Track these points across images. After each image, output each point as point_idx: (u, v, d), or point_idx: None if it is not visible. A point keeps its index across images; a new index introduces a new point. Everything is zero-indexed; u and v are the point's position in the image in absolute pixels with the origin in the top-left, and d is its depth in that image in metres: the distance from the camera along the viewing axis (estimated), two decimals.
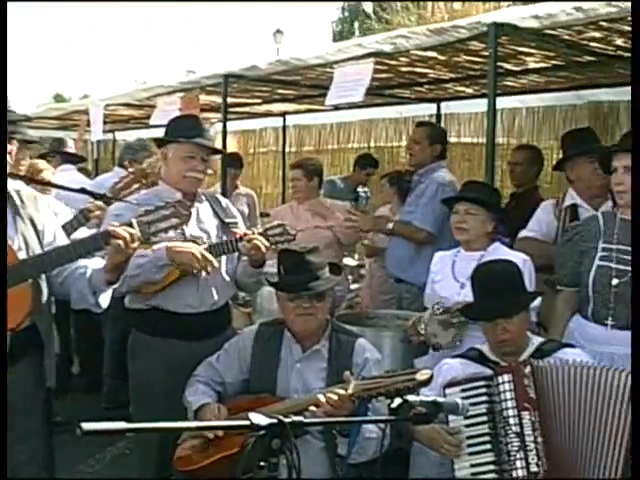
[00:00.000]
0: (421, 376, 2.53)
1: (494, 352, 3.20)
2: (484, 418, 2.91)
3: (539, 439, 2.82)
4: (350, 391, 2.76)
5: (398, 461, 3.91)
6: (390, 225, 5.09)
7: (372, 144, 8.81)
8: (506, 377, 2.89)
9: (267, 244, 3.51)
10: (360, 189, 7.85)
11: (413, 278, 5.03)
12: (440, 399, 2.30)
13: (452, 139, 7.68)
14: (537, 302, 3.54)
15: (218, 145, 5.93)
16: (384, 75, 5.95)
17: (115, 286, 3.05)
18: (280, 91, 7.36)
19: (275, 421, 1.94)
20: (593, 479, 2.77)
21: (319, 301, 3.25)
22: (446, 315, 3.67)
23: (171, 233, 3.12)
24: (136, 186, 4.43)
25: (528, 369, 2.90)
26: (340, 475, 3.01)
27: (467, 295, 3.62)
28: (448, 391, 2.98)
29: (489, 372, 2.99)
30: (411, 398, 2.22)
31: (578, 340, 3.51)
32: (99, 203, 4.26)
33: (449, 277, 3.88)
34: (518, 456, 2.81)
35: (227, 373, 3.39)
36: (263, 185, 10.22)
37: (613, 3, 3.72)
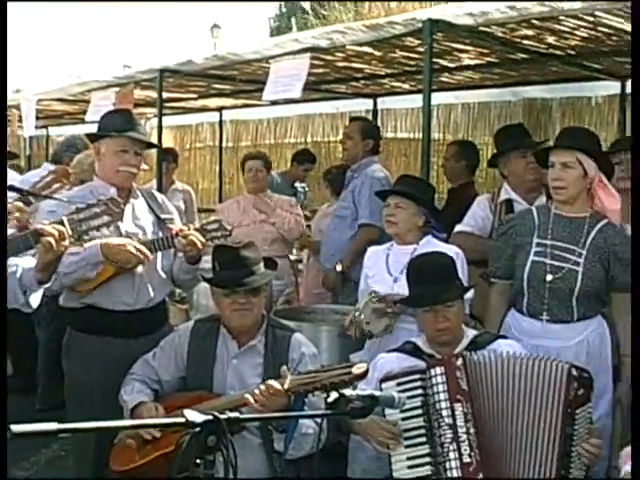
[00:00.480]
0: (357, 370, 2.54)
1: (430, 344, 3.24)
2: (419, 411, 2.94)
3: (472, 430, 2.85)
4: (286, 386, 2.75)
5: (336, 456, 3.94)
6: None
7: (309, 139, 8.81)
8: (438, 370, 2.92)
9: (203, 240, 3.48)
10: (298, 185, 7.85)
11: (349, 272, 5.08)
12: (376, 393, 2.31)
13: (389, 134, 7.75)
14: (470, 295, 3.60)
15: (154, 140, 5.87)
16: (321, 70, 5.96)
17: (47, 285, 2.99)
18: (216, 86, 7.32)
19: (210, 417, 1.92)
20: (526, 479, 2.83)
21: (255, 296, 3.24)
22: (381, 304, 3.70)
23: (105, 230, 3.07)
24: (57, 186, 4.33)
25: (460, 361, 2.93)
26: (278, 471, 3.00)
27: (400, 289, 3.66)
28: (384, 385, 3.00)
29: (424, 365, 3.02)
30: (347, 392, 2.22)
31: (514, 334, 3.57)
32: (18, 204, 4.15)
33: (383, 271, 3.90)
34: (451, 447, 2.84)
35: (163, 371, 3.36)
36: (200, 181, 10.14)
37: (545, 3, 3.80)
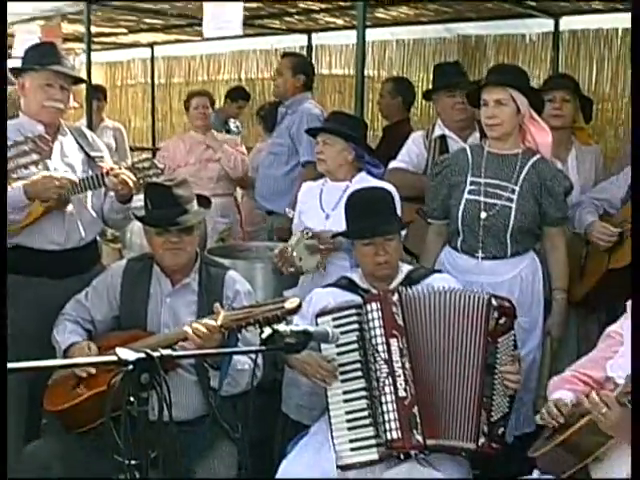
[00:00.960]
0: (290, 304, 2.55)
1: (367, 279, 3.26)
2: (355, 346, 2.97)
3: (407, 365, 2.90)
4: (219, 322, 2.75)
5: (272, 392, 3.98)
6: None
7: (243, 76, 8.65)
8: (374, 305, 2.95)
9: (134, 179, 3.41)
10: (232, 122, 7.74)
11: (284, 209, 5.06)
12: (310, 328, 2.32)
13: (323, 71, 7.67)
14: (403, 232, 3.64)
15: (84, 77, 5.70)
16: (254, 5, 5.84)
17: None
18: (148, 21, 7.13)
19: (143, 355, 1.91)
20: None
21: (187, 235, 3.19)
22: (314, 240, 3.71)
23: (33, 168, 2.98)
24: None
25: (396, 297, 2.96)
26: (213, 407, 3.02)
27: (333, 226, 3.67)
28: (320, 320, 3.02)
29: (360, 300, 3.05)
30: (281, 328, 2.23)
31: (449, 270, 3.61)
32: None
33: (316, 207, 3.89)
34: (387, 382, 2.89)
35: (96, 310, 3.31)
36: (132, 119, 9.91)
37: None
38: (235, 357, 2.98)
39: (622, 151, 4.60)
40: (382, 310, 2.94)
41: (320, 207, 3.89)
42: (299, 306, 2.59)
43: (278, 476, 2.94)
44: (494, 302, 2.98)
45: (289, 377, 3.63)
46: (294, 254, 3.73)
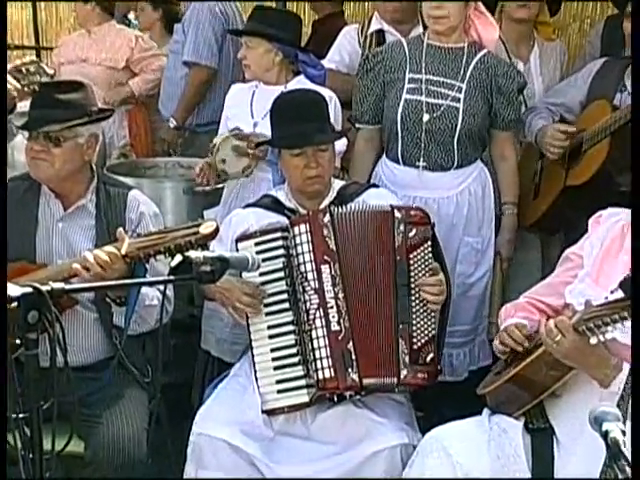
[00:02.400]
0: (205, 229, 2.51)
1: (295, 196, 3.22)
2: (281, 274, 2.96)
3: (340, 295, 2.90)
4: (123, 250, 2.68)
5: (189, 329, 3.97)
6: None
7: None
8: (303, 227, 2.93)
9: (17, 85, 3.29)
10: (131, 15, 7.52)
11: (198, 121, 4.97)
12: (227, 254, 2.30)
13: None
14: (342, 146, 3.60)
15: None
16: None
17: None
18: None
19: (30, 290, 1.86)
20: None
21: (56, 146, 3.05)
22: (244, 142, 3.66)
23: None
24: None
25: (327, 218, 2.94)
26: (119, 348, 2.98)
27: (261, 135, 3.63)
28: (241, 245, 2.99)
29: (286, 222, 3.03)
30: (194, 255, 2.20)
31: (387, 185, 3.61)
32: None
33: (245, 113, 3.85)
34: (318, 314, 2.89)
35: None
36: (8, 10, 9.46)
37: None
38: (143, 290, 2.93)
39: (587, 49, 4.59)
40: (312, 233, 2.92)
41: (250, 113, 3.84)
42: (216, 231, 2.55)
43: (195, 426, 2.94)
44: (397, 214, 2.97)
45: (209, 308, 3.63)
46: (218, 155, 3.68)
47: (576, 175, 3.68)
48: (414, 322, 2.94)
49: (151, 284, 2.98)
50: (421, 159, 3.60)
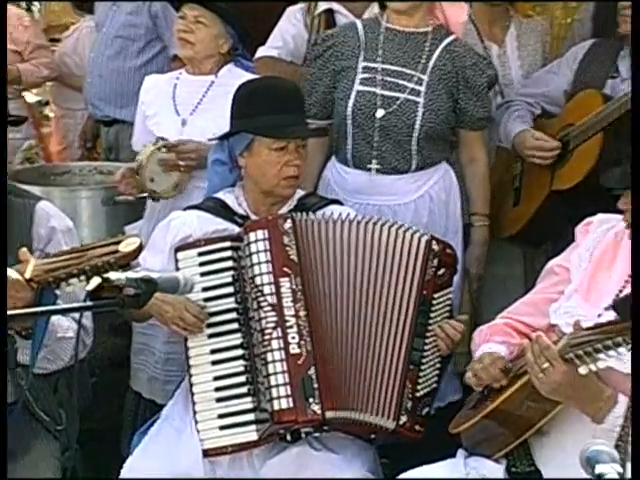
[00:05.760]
0: (126, 247, 2.47)
1: (251, 200, 3.22)
2: (229, 289, 2.96)
3: (302, 313, 2.90)
4: (28, 274, 2.63)
5: (114, 365, 3.93)
6: None
7: None
8: (260, 234, 2.93)
9: None
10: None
11: (125, 116, 4.93)
12: (154, 275, 2.29)
13: None
14: None
15: None
16: None
17: None
18: None
19: None
20: None
21: None
22: (171, 154, 3.66)
23: None
24: None
25: (289, 224, 2.95)
26: (25, 390, 2.92)
27: (192, 135, 3.65)
28: (181, 255, 2.99)
29: (236, 229, 3.03)
30: (114, 276, 2.19)
31: (336, 191, 3.63)
32: None
33: (168, 110, 3.84)
34: (275, 335, 2.88)
35: None
36: None
37: None
38: (53, 320, 2.88)
39: (575, 28, 4.56)
40: (270, 240, 2.92)
41: (174, 110, 3.83)
42: (139, 248, 2.52)
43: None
44: (435, 246, 2.99)
45: (139, 342, 3.59)
46: (145, 173, 3.66)
47: (564, 178, 3.71)
48: (422, 368, 2.97)
49: (64, 312, 2.93)
50: (373, 161, 3.62)
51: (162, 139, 3.73)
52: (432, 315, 2.99)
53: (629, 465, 1.99)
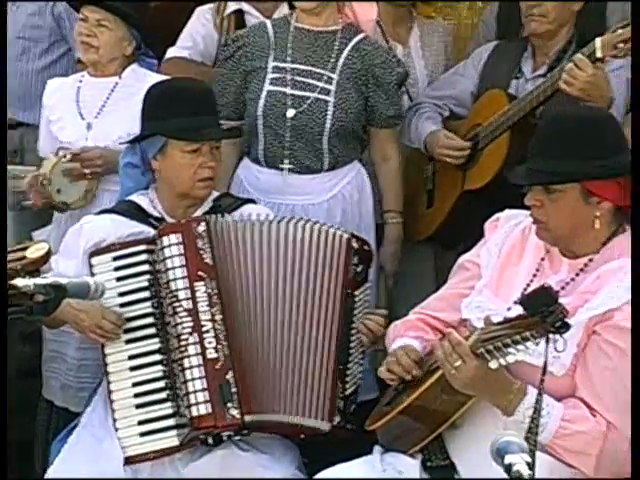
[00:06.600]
0: (34, 252, 2.45)
1: (167, 203, 3.22)
2: (145, 294, 2.97)
3: (218, 317, 2.91)
4: None
5: (25, 373, 3.87)
6: None
7: None
8: (174, 238, 2.94)
9: None
10: None
11: (29, 119, 4.86)
12: (63, 280, 2.27)
13: None
14: None
15: None
16: None
17: None
18: None
19: None
20: None
21: None
22: (75, 163, 3.62)
23: None
24: None
25: (202, 227, 2.96)
26: None
27: (97, 141, 3.63)
28: (95, 260, 2.98)
29: (152, 232, 3.03)
30: (21, 283, 2.17)
31: (249, 191, 3.64)
32: None
33: (73, 114, 3.81)
34: (191, 340, 2.89)
35: None
36: None
37: None
38: None
39: (481, 29, 4.61)
40: (184, 244, 2.93)
41: (78, 113, 3.81)
42: (48, 254, 2.50)
43: None
44: (355, 244, 3.02)
45: (51, 349, 3.56)
46: (50, 186, 3.61)
47: (474, 177, 3.76)
48: (349, 366, 3.01)
49: None
50: (285, 161, 3.64)
51: (63, 148, 3.69)
52: (355, 313, 3.03)
53: (539, 455, 2.05)
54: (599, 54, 3.17)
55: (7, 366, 2.43)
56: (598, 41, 3.18)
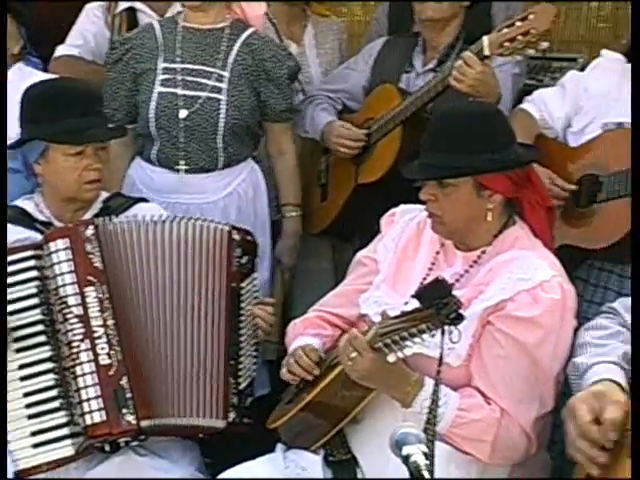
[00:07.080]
0: None
1: (53, 207, 3.16)
2: (34, 301, 2.91)
3: (110, 322, 2.88)
4: None
5: None
6: None
7: None
8: (61, 243, 2.89)
9: None
10: None
11: None
12: None
13: None
14: None
15: None
16: None
17: None
18: None
19: None
20: None
21: None
22: None
23: None
24: None
25: (91, 231, 2.92)
26: None
27: None
28: None
29: (38, 237, 2.98)
30: None
31: (142, 190, 3.63)
32: None
33: None
34: (83, 347, 2.84)
35: None
36: None
37: None
38: None
39: (373, 26, 4.64)
40: (73, 249, 2.89)
41: None
42: None
43: None
44: (236, 235, 3.03)
45: None
46: None
47: (367, 172, 3.80)
48: (241, 360, 3.01)
49: None
50: (181, 162, 3.65)
51: None
52: (243, 305, 3.03)
53: (437, 444, 2.09)
54: (487, 52, 3.25)
55: None
56: (485, 39, 3.26)
